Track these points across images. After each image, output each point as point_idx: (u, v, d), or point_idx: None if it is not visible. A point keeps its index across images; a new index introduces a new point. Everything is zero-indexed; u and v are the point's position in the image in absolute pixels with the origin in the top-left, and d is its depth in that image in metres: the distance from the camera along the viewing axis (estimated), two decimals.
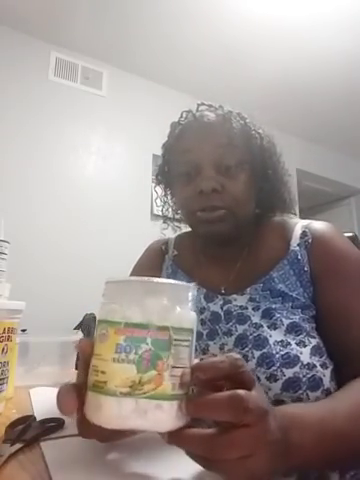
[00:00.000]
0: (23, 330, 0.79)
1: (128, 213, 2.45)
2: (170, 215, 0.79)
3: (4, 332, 0.53)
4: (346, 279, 0.58)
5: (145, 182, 2.53)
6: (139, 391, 0.29)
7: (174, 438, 0.31)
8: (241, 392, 0.30)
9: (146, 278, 0.32)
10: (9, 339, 0.54)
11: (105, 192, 2.42)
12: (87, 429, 0.33)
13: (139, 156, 2.60)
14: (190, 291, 0.34)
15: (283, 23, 2.27)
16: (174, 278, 0.72)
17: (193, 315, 0.33)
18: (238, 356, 0.32)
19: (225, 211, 0.61)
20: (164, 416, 0.29)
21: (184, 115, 0.69)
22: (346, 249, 0.61)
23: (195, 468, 0.36)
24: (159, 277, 0.75)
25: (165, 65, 2.65)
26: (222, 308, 0.62)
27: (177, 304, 0.32)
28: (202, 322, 0.62)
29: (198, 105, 0.69)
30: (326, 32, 2.33)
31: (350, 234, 0.89)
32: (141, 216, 2.49)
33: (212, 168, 0.62)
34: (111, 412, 0.29)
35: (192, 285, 0.34)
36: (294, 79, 2.75)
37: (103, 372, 0.30)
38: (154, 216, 2.49)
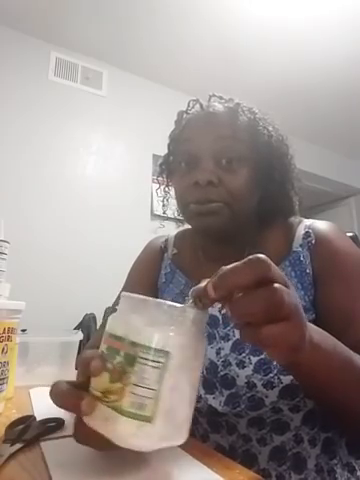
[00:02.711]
0: (23, 330, 0.79)
1: (128, 213, 2.44)
2: (170, 207, 0.76)
3: (4, 332, 0.53)
4: (350, 281, 0.56)
5: (145, 182, 2.53)
6: (107, 399, 0.31)
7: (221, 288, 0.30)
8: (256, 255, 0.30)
9: (138, 296, 0.33)
10: (9, 339, 0.54)
11: (105, 192, 2.42)
12: (83, 435, 0.34)
13: (139, 156, 2.60)
14: (178, 311, 0.32)
15: (284, 25, 2.26)
16: (172, 278, 0.71)
17: (173, 338, 0.31)
18: (259, 256, 0.30)
19: (219, 204, 0.58)
20: (120, 429, 0.30)
21: (191, 104, 0.67)
22: (350, 251, 0.59)
23: (195, 468, 0.36)
24: (158, 276, 0.75)
25: (165, 65, 2.65)
26: (220, 311, 0.60)
27: (155, 324, 0.31)
28: None
29: (210, 96, 0.67)
30: (326, 33, 2.33)
31: (350, 234, 0.89)
32: (141, 216, 2.49)
33: (211, 160, 0.59)
34: (92, 410, 0.32)
35: (183, 306, 0.32)
36: (294, 79, 2.75)
37: None
38: (154, 216, 2.49)
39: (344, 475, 0.53)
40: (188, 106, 0.68)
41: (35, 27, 2.33)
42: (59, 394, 0.33)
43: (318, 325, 0.55)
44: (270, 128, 0.64)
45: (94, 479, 0.34)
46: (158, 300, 0.32)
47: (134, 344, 0.30)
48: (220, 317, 0.60)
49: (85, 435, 0.33)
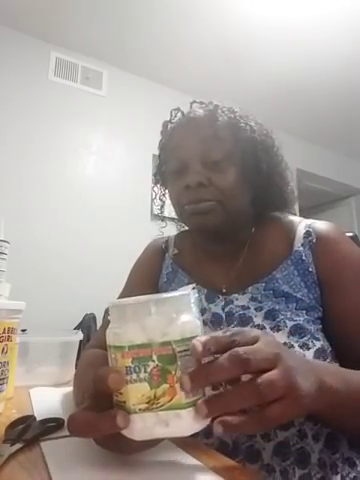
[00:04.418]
0: (23, 330, 0.78)
1: (128, 213, 2.45)
2: (167, 215, 0.78)
3: (4, 332, 0.53)
4: (355, 282, 0.57)
5: (145, 182, 2.53)
6: (156, 405, 0.31)
7: (214, 408, 0.32)
8: (238, 348, 0.32)
9: (143, 298, 0.33)
10: (9, 339, 0.54)
11: (105, 192, 2.42)
12: (113, 443, 0.34)
13: (139, 156, 2.60)
14: (188, 298, 0.34)
15: (284, 25, 2.27)
16: (174, 277, 0.72)
17: (195, 322, 0.34)
18: (233, 331, 0.34)
19: (212, 203, 0.61)
20: (184, 422, 0.31)
21: (173, 113, 0.70)
22: (351, 251, 0.61)
23: (195, 468, 0.36)
24: (159, 276, 0.75)
25: (165, 65, 2.65)
26: (223, 309, 0.61)
27: (175, 317, 0.32)
28: (203, 323, 0.61)
29: (191, 103, 0.70)
30: (325, 33, 2.33)
31: (350, 234, 0.89)
32: (141, 216, 2.49)
33: (198, 162, 0.61)
34: (136, 426, 0.31)
35: (190, 291, 0.34)
36: (295, 80, 2.75)
37: (120, 393, 0.32)
38: (154, 216, 2.49)
39: (345, 469, 0.53)
40: (171, 116, 0.71)
41: (35, 27, 2.33)
42: (86, 424, 0.33)
43: (328, 324, 0.57)
44: (252, 123, 0.65)
45: (94, 479, 0.34)
46: (164, 295, 0.33)
47: (166, 343, 0.31)
48: (223, 315, 0.60)
49: (107, 440, 0.34)
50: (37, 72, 2.39)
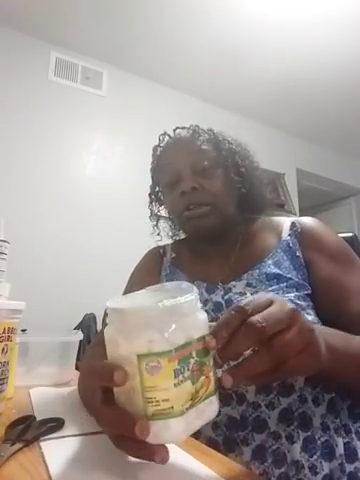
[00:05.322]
0: (23, 330, 0.78)
1: (128, 213, 2.44)
2: (164, 232, 0.88)
3: (4, 332, 0.53)
4: (333, 258, 0.66)
5: (145, 182, 2.53)
6: (197, 399, 0.32)
7: (238, 378, 0.34)
8: (251, 319, 0.33)
9: (171, 302, 0.33)
10: (9, 339, 0.54)
11: (105, 192, 2.42)
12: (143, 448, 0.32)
13: (139, 156, 2.60)
14: (198, 294, 0.36)
15: (284, 22, 2.27)
16: (173, 278, 0.76)
17: (205, 314, 0.37)
18: (239, 303, 0.35)
19: (208, 207, 0.69)
20: (214, 406, 0.34)
21: (161, 138, 0.81)
22: (331, 236, 0.70)
23: (195, 468, 0.36)
24: (158, 279, 0.78)
25: (165, 65, 2.65)
26: (223, 298, 0.66)
27: (198, 313, 0.35)
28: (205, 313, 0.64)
29: (174, 130, 0.80)
30: (327, 30, 2.33)
31: (350, 234, 0.89)
32: (141, 216, 2.48)
33: (189, 171, 0.71)
34: (181, 428, 0.32)
35: (194, 288, 0.36)
36: (294, 79, 2.75)
37: (165, 400, 0.31)
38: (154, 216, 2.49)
39: (343, 435, 0.56)
40: (159, 141, 0.81)
41: (35, 27, 2.33)
42: (112, 422, 0.33)
43: (315, 299, 0.63)
44: (229, 138, 0.78)
45: (94, 479, 0.34)
46: (185, 298, 0.34)
47: (201, 338, 0.34)
48: (223, 302, 0.65)
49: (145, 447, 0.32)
50: (37, 72, 2.39)
